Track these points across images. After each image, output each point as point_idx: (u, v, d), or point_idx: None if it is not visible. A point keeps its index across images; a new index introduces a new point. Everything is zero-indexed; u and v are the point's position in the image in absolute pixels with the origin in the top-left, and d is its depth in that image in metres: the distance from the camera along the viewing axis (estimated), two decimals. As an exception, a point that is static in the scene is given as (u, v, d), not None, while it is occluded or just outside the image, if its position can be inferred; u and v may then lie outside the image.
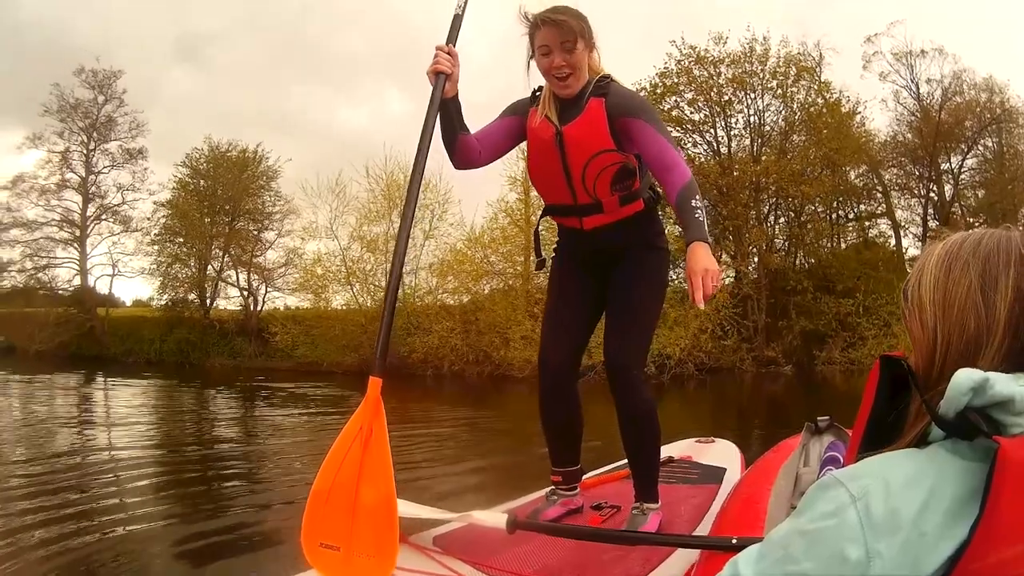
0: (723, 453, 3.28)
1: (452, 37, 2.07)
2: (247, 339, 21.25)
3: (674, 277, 14.70)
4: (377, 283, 17.55)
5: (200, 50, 38.45)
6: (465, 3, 2.12)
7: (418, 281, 17.82)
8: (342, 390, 13.19)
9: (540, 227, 2.40)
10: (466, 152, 2.11)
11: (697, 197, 1.95)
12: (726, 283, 16.78)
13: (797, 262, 19.19)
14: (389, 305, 1.82)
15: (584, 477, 2.39)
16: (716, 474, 2.79)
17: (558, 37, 1.99)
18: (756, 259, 17.98)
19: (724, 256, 18.02)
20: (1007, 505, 0.66)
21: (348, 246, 18.22)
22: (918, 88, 20.74)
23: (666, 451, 2.63)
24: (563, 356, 2.19)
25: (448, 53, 2.02)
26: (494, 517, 1.87)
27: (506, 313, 15.28)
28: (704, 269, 1.80)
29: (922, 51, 20.49)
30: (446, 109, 2.04)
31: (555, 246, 2.32)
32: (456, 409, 10.87)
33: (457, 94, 2.06)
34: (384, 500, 1.61)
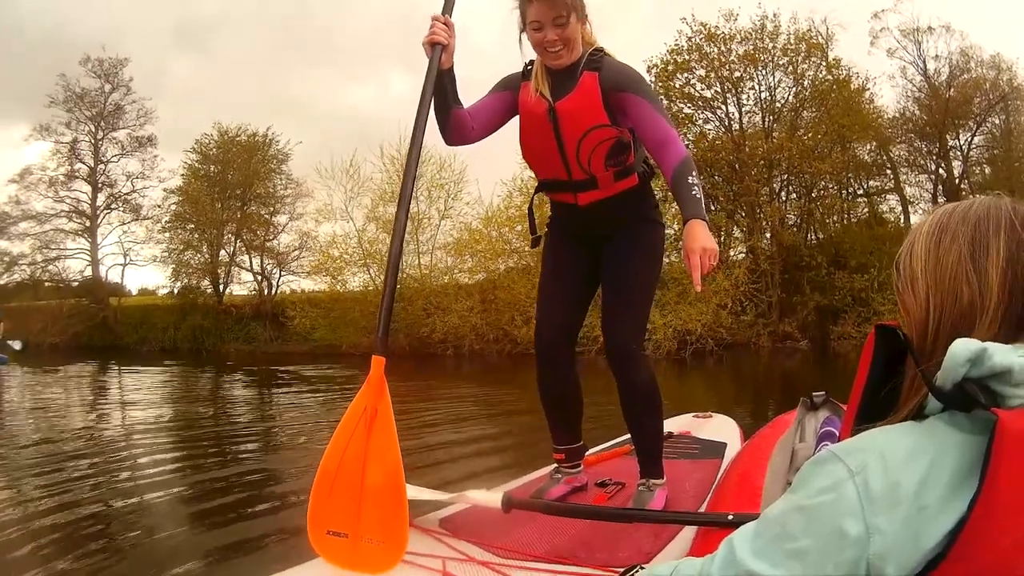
0: (722, 428, 3.30)
1: (448, 7, 2.03)
2: (262, 324, 21.25)
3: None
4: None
5: (202, 37, 38.23)
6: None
7: (435, 261, 17.89)
8: (363, 371, 13.07)
9: (534, 203, 2.36)
10: (459, 128, 2.06)
11: (693, 174, 1.92)
12: (742, 258, 16.89)
13: (809, 238, 19.30)
14: (390, 284, 1.79)
15: (587, 454, 2.36)
16: (717, 449, 2.79)
17: (550, 12, 1.94)
18: (769, 235, 18.09)
19: (737, 232, 18.14)
20: (1006, 478, 0.65)
21: (364, 227, 18.26)
22: (925, 65, 20.82)
23: (665, 426, 2.58)
24: (558, 331, 2.17)
25: (444, 24, 1.97)
26: (490, 497, 1.86)
27: (525, 291, 15.27)
28: (702, 248, 1.77)
29: (929, 28, 20.53)
30: (441, 82, 1.98)
31: (548, 221, 2.28)
32: (477, 387, 10.93)
33: (452, 66, 2.00)
34: (392, 483, 1.56)
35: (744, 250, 16.89)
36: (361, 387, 1.65)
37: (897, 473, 0.67)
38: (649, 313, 2.17)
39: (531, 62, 2.10)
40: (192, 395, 11.85)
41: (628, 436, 2.29)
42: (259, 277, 22.86)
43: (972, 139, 20.59)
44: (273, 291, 22.54)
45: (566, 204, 2.15)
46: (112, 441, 6.31)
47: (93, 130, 24.20)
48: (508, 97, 2.11)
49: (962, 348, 0.69)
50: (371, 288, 17.73)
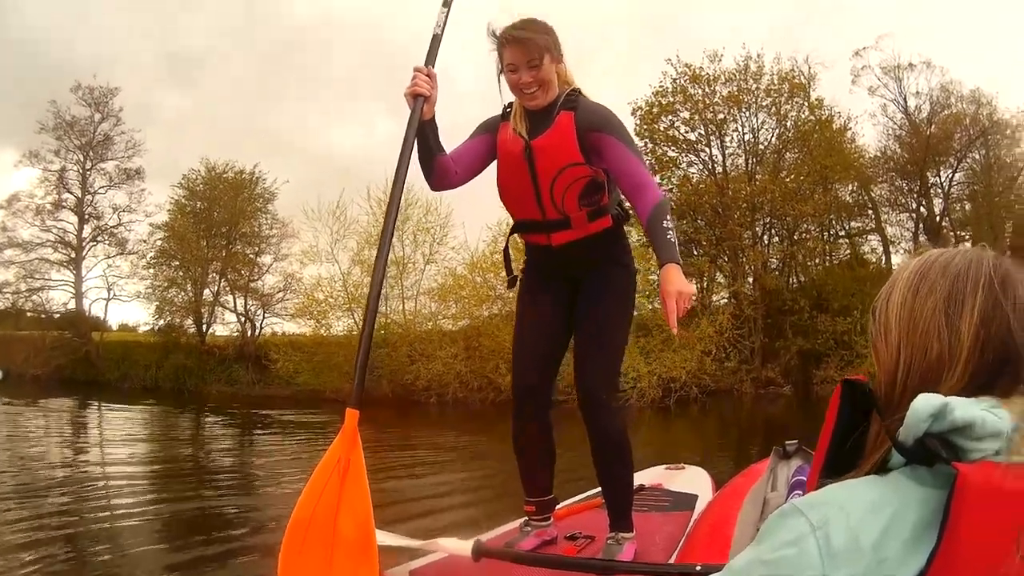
0: (693, 479, 3.27)
1: (431, 58, 2.06)
2: (244, 366, 21.04)
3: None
4: (379, 310, 17.49)
5: (191, 71, 38.14)
6: (444, 24, 2.12)
7: (419, 307, 17.81)
8: (343, 418, 13.02)
9: (509, 244, 2.40)
10: (442, 174, 2.10)
11: (668, 218, 1.95)
12: (725, 303, 16.92)
13: (791, 281, 19.38)
14: (366, 338, 1.80)
15: (558, 507, 2.37)
16: (688, 501, 2.78)
17: (524, 55, 2.00)
18: (751, 279, 18.14)
19: (720, 277, 18.17)
20: (965, 532, 0.66)
21: (349, 270, 18.19)
22: (906, 101, 21.09)
23: (636, 479, 2.61)
24: (534, 381, 2.16)
25: (427, 75, 1.99)
26: (461, 545, 1.86)
27: (509, 338, 14.78)
28: (678, 291, 1.81)
29: (910, 64, 20.83)
30: (423, 131, 2.01)
31: (523, 265, 2.29)
32: (458, 436, 10.96)
33: (434, 116, 2.03)
34: (363, 534, 1.59)
35: (727, 295, 16.88)
36: (336, 438, 1.67)
37: (858, 527, 0.68)
38: (622, 359, 2.19)
39: (510, 104, 2.14)
40: (173, 434, 11.96)
41: (599, 489, 2.28)
42: (242, 318, 22.67)
43: (953, 176, 20.80)
44: (256, 333, 22.40)
45: (540, 246, 2.17)
46: (90, 476, 6.47)
47: (82, 159, 24.01)
48: (488, 140, 2.14)
49: (924, 404, 0.69)
50: (355, 333, 17.56)
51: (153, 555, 3.58)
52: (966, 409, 0.70)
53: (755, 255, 17.81)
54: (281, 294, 22.31)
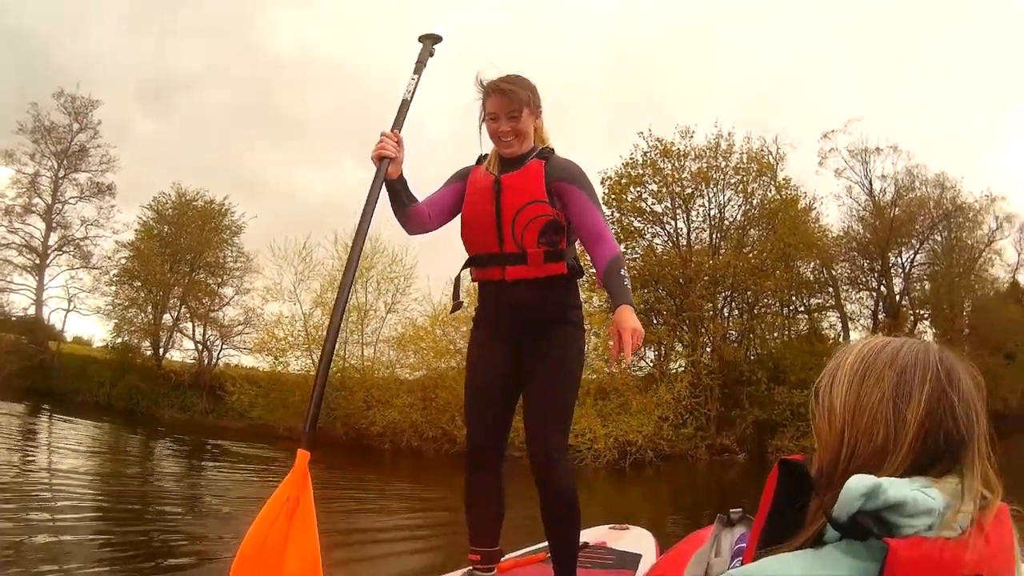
0: (638, 540, 3.29)
1: (399, 122, 2.15)
2: (199, 394, 20.81)
3: (644, 365, 15.05)
4: (338, 353, 17.46)
5: (166, 96, 37.87)
6: (414, 91, 2.21)
7: (377, 354, 17.80)
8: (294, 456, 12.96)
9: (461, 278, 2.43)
10: (417, 220, 2.22)
11: (624, 269, 2.06)
12: (682, 372, 17.10)
13: (749, 353, 19.67)
14: (319, 382, 1.83)
15: (502, 559, 2.38)
16: (632, 560, 2.79)
17: (505, 106, 2.13)
18: (710, 349, 18.37)
19: (679, 346, 18.38)
20: None
21: (311, 312, 18.16)
22: (871, 184, 21.72)
23: (582, 536, 2.58)
24: (486, 437, 2.21)
25: (393, 139, 2.09)
26: None
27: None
28: (632, 328, 1.90)
29: (877, 148, 21.53)
30: (393, 188, 2.12)
31: (474, 316, 2.34)
32: (410, 483, 11.06)
33: (402, 174, 2.13)
34: (309, 573, 1.59)
35: (684, 364, 17.09)
36: (285, 477, 1.68)
37: None
38: (571, 419, 2.22)
39: (486, 154, 2.27)
40: (123, 454, 11.81)
41: (545, 544, 2.32)
42: (200, 346, 22.44)
43: (915, 257, 21.34)
44: (213, 362, 22.17)
45: (493, 283, 2.21)
46: (37, 487, 6.33)
47: (55, 167, 23.60)
48: (460, 187, 2.25)
49: (857, 484, 0.72)
50: (312, 373, 17.48)
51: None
52: (898, 489, 0.73)
53: (716, 327, 18.09)
54: (241, 327, 22.15)
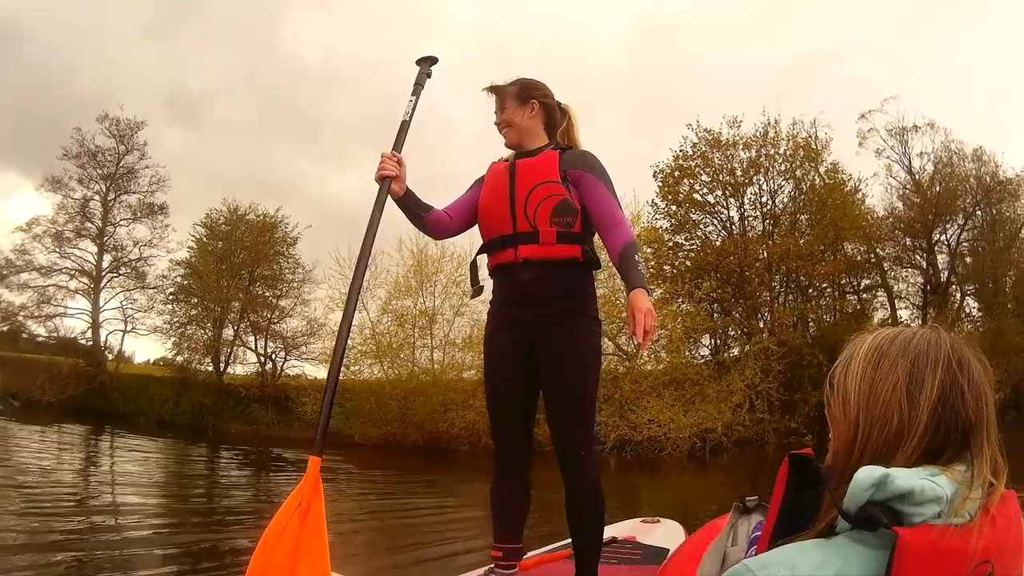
0: (667, 533, 3.23)
1: (399, 143, 2.19)
2: (264, 406, 21.04)
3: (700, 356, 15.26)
4: (407, 356, 17.87)
5: (193, 109, 38.20)
6: (412, 112, 2.27)
7: (447, 358, 18.02)
8: (370, 464, 13.45)
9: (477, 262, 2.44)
10: (438, 226, 2.30)
11: (638, 254, 2.08)
12: (752, 359, 17.32)
13: (805, 336, 19.88)
14: (330, 391, 1.87)
15: (525, 556, 2.38)
16: (658, 555, 2.72)
17: (496, 102, 2.32)
18: (766, 334, 18.63)
19: (737, 333, 18.66)
20: None
21: (378, 319, 18.40)
22: (910, 162, 21.79)
23: (610, 531, 2.56)
24: (510, 433, 2.21)
25: (394, 160, 2.13)
26: None
27: None
28: (646, 310, 1.94)
29: (914, 126, 21.44)
30: (403, 205, 2.20)
31: (488, 308, 2.33)
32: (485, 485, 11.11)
33: (408, 189, 2.18)
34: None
35: (752, 350, 17.32)
36: (298, 484, 1.72)
37: None
38: (594, 413, 2.19)
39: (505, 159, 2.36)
40: (195, 469, 12.15)
41: (568, 541, 2.29)
42: (263, 359, 22.68)
43: (960, 234, 21.25)
44: (277, 374, 22.36)
45: (506, 268, 2.20)
46: (101, 502, 6.82)
47: (103, 190, 23.99)
48: (479, 191, 2.33)
49: (866, 475, 0.74)
50: (385, 379, 17.91)
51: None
52: (906, 479, 0.75)
53: (777, 312, 18.33)
54: (304, 337, 22.30)
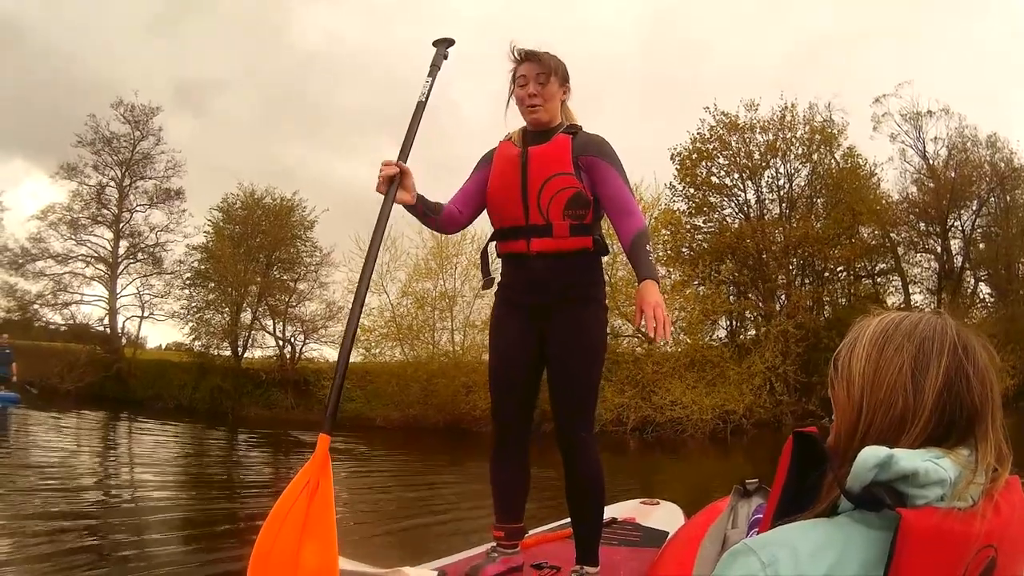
0: (667, 516, 3.27)
1: (404, 154, 2.15)
2: (283, 390, 21.05)
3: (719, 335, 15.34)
4: (427, 339, 18.00)
5: (199, 98, 38.09)
6: (428, 92, 2.25)
7: (467, 340, 18.06)
8: (396, 445, 13.62)
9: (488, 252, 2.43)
10: (449, 223, 2.29)
11: (649, 244, 2.07)
12: (772, 341, 17.44)
13: (820, 319, 19.98)
14: (341, 369, 1.92)
15: (526, 535, 2.41)
16: (658, 538, 2.76)
17: (535, 69, 2.18)
18: (784, 317, 18.69)
19: (754, 316, 18.78)
20: (907, 571, 0.71)
21: (399, 302, 18.44)
22: (924, 147, 21.79)
23: (610, 511, 2.57)
24: (512, 415, 2.23)
25: (397, 166, 2.08)
26: (425, 574, 1.89)
27: None
28: (656, 302, 1.92)
29: (929, 111, 21.47)
30: (416, 212, 2.19)
31: (496, 290, 2.34)
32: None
33: (417, 196, 2.14)
34: (326, 556, 1.62)
35: (772, 332, 17.42)
36: (307, 463, 1.76)
37: (805, 565, 0.72)
38: (597, 396, 2.23)
39: (509, 135, 2.31)
40: (214, 451, 12.23)
41: (569, 520, 2.31)
42: (281, 342, 22.59)
43: (975, 220, 21.38)
44: (296, 357, 22.33)
45: (517, 257, 2.22)
46: (121, 489, 6.80)
47: (119, 176, 23.87)
48: (486, 173, 2.29)
49: (870, 455, 0.74)
50: (408, 361, 17.96)
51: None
52: (910, 460, 0.75)
53: (799, 295, 18.42)
54: (324, 321, 22.22)
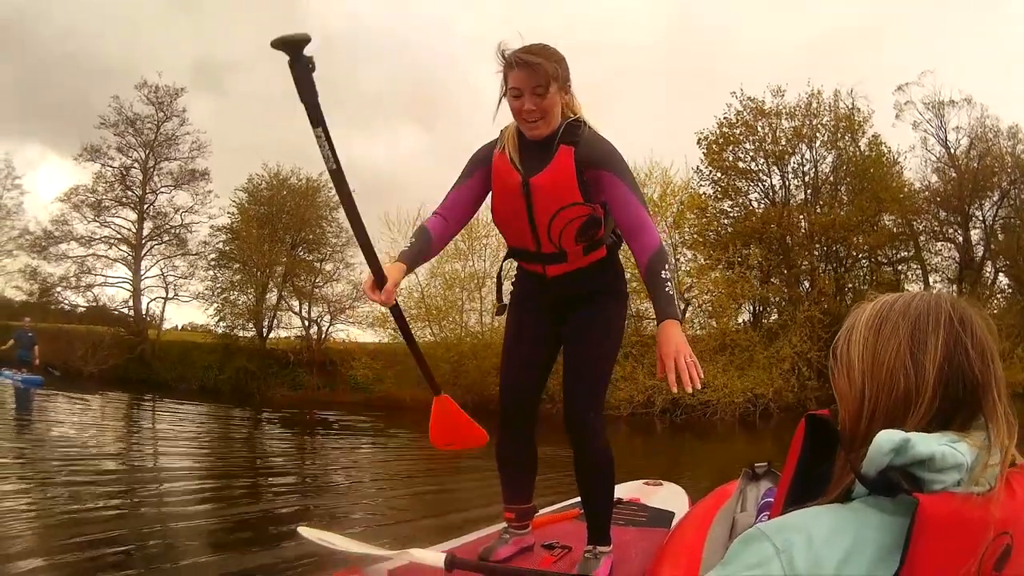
0: (671, 496, 3.30)
1: (377, 274, 1.90)
2: (310, 370, 21.11)
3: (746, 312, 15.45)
4: (457, 320, 18.14)
5: (218, 78, 38.04)
6: (329, 150, 1.79)
7: (496, 321, 18.09)
8: (419, 425, 13.43)
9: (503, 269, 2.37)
10: (441, 243, 2.08)
11: (667, 267, 1.90)
12: (798, 327, 17.59)
13: (843, 305, 20.07)
14: (413, 348, 2.34)
15: (536, 515, 2.41)
16: (664, 518, 2.79)
17: (530, 81, 1.90)
18: (807, 304, 18.80)
19: (777, 299, 18.93)
20: (926, 557, 0.69)
21: (428, 283, 18.52)
22: (946, 136, 21.83)
23: (615, 492, 2.60)
24: (521, 397, 2.20)
25: (380, 294, 1.91)
26: (433, 556, 1.87)
27: None
28: (676, 350, 1.76)
29: (951, 101, 21.55)
30: (412, 271, 2.07)
31: (513, 280, 2.28)
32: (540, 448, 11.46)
33: (401, 278, 1.96)
34: (465, 425, 2.47)
35: (803, 317, 17.57)
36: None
37: (820, 551, 0.71)
38: (608, 381, 2.18)
39: (504, 129, 2.09)
40: (235, 429, 12.39)
41: (578, 499, 2.30)
42: (307, 323, 22.62)
43: (997, 211, 21.43)
44: (322, 338, 22.40)
45: (534, 274, 2.17)
46: (145, 469, 6.93)
47: (143, 158, 23.81)
48: (481, 176, 2.09)
49: (886, 439, 0.73)
50: (435, 342, 18.03)
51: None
52: (927, 444, 0.73)
53: (822, 282, 18.56)
54: (351, 301, 22.20)
